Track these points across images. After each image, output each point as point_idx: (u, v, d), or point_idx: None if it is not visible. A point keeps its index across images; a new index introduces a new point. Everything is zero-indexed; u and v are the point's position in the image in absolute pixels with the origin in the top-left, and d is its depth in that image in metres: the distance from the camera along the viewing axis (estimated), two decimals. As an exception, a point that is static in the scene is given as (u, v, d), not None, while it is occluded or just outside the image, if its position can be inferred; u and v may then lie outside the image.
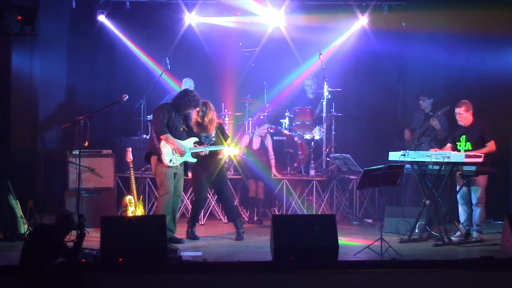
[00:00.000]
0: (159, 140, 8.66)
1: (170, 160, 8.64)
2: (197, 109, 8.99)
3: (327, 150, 11.33)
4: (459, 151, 8.72)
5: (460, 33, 11.07)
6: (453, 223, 8.91)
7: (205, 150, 8.87)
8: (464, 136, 8.89)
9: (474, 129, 8.87)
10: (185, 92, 8.96)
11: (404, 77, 12.19)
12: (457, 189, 8.84)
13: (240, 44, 12.41)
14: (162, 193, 8.67)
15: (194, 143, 8.84)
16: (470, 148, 8.77)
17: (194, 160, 8.83)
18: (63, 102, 11.81)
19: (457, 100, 9.16)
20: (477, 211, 8.77)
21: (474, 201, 8.78)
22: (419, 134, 10.59)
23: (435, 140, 10.32)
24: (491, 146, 8.75)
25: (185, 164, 8.93)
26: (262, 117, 11.24)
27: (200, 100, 8.88)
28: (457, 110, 8.97)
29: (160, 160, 8.65)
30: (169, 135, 8.65)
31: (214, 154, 9.03)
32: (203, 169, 9.00)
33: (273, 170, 10.84)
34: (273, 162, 10.87)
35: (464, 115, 8.92)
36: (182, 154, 8.69)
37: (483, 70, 10.88)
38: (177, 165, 8.70)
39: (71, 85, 11.95)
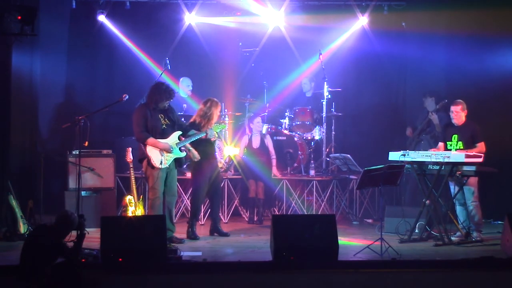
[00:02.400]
0: (145, 145, 8.53)
1: (161, 162, 8.49)
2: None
3: (327, 150, 11.34)
4: (450, 151, 8.72)
5: (460, 33, 11.08)
6: (453, 223, 8.90)
7: (191, 139, 8.75)
8: (456, 136, 8.89)
9: (466, 129, 8.87)
10: (156, 85, 8.77)
11: (404, 77, 12.19)
12: (452, 190, 8.83)
13: (240, 44, 12.43)
14: (152, 197, 8.55)
15: (179, 136, 8.68)
16: (462, 147, 8.77)
17: (184, 154, 8.70)
18: (63, 102, 11.81)
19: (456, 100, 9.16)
20: (472, 211, 8.76)
21: (468, 201, 8.78)
22: (420, 130, 10.61)
23: (434, 138, 10.33)
24: (481, 147, 8.73)
25: (176, 160, 8.69)
26: (252, 114, 11.21)
27: (173, 90, 8.72)
28: (453, 108, 8.97)
29: (150, 164, 8.50)
30: (150, 138, 8.46)
31: (212, 152, 9.06)
32: (206, 167, 9.00)
33: (274, 169, 10.83)
34: (274, 161, 10.86)
35: (459, 114, 8.92)
36: (169, 151, 8.54)
37: (483, 69, 10.87)
38: (168, 165, 8.55)
39: (71, 85, 11.94)
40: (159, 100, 8.55)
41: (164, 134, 8.57)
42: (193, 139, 8.82)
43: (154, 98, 8.57)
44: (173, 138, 8.62)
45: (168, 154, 8.53)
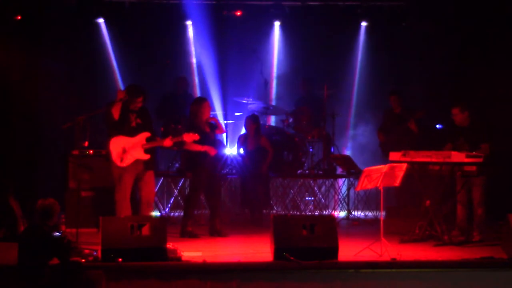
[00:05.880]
0: (109, 140, 8.41)
1: (121, 160, 8.33)
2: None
3: (327, 150, 11.33)
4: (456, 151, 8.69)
5: (460, 33, 11.10)
6: (454, 223, 8.90)
7: (154, 145, 8.48)
8: (462, 137, 8.86)
9: (471, 130, 8.84)
10: (129, 86, 8.65)
11: (404, 77, 12.20)
12: (458, 189, 8.82)
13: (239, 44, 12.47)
14: (117, 199, 8.40)
15: (147, 139, 8.46)
16: (468, 149, 8.72)
17: (147, 156, 8.43)
18: (63, 102, 11.81)
19: (461, 101, 9.15)
20: (477, 212, 8.75)
21: (474, 201, 8.76)
22: (397, 137, 10.48)
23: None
24: (485, 148, 8.68)
25: (145, 162, 8.45)
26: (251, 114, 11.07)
27: (140, 90, 8.50)
28: (453, 111, 8.94)
29: (110, 159, 8.34)
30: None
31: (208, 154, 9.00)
32: (204, 166, 8.98)
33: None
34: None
35: (459, 116, 8.88)
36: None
37: (485, 68, 10.85)
38: (128, 165, 8.31)
39: (71, 85, 11.96)
40: (129, 101, 8.42)
41: (132, 133, 8.44)
42: (156, 145, 8.62)
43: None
44: (140, 138, 8.45)
45: (130, 153, 8.35)
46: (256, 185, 10.51)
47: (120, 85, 11.81)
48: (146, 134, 8.50)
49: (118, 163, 8.34)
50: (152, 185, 8.63)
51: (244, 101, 11.78)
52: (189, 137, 8.73)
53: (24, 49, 9.90)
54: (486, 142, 8.69)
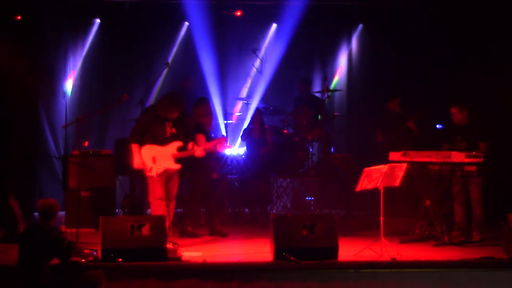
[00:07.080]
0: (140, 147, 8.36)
1: (151, 169, 8.27)
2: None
3: (327, 150, 11.32)
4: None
5: (460, 32, 11.10)
6: (453, 223, 8.89)
7: (186, 155, 8.42)
8: (459, 136, 8.85)
9: (468, 129, 8.83)
10: (168, 95, 8.61)
11: (404, 77, 12.20)
12: (454, 189, 8.82)
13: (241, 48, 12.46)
14: (152, 199, 8.38)
15: (179, 148, 8.39)
16: (465, 148, 8.70)
17: (177, 166, 8.38)
18: (63, 102, 11.82)
19: (460, 100, 9.14)
20: (476, 211, 8.75)
21: (472, 200, 8.76)
22: (396, 137, 10.48)
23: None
24: (483, 147, 8.67)
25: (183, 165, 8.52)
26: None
27: (175, 101, 8.43)
28: (452, 110, 8.93)
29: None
30: (135, 146, 8.30)
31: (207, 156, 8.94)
32: (202, 166, 8.96)
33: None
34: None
35: (458, 115, 8.88)
36: (138, 166, 8.33)
37: (486, 68, 10.85)
38: (159, 174, 8.27)
39: (71, 85, 11.95)
40: (166, 110, 8.36)
41: (165, 142, 8.38)
42: (187, 155, 8.53)
43: (162, 106, 8.41)
44: (171, 148, 8.39)
45: (160, 162, 8.29)
46: (259, 183, 10.48)
47: (119, 85, 11.79)
48: (178, 144, 8.40)
49: (147, 173, 8.30)
50: (176, 184, 8.55)
51: (244, 101, 11.78)
52: (222, 147, 8.70)
53: (24, 49, 9.88)
54: (484, 140, 8.69)
